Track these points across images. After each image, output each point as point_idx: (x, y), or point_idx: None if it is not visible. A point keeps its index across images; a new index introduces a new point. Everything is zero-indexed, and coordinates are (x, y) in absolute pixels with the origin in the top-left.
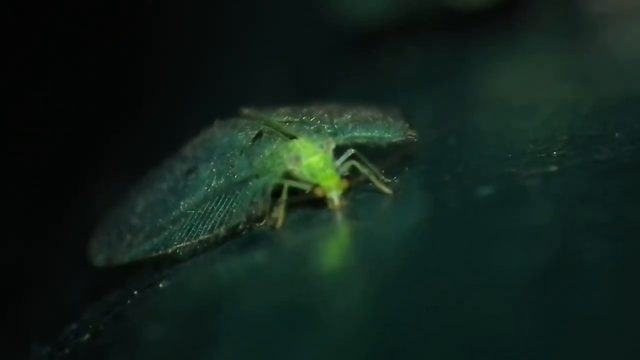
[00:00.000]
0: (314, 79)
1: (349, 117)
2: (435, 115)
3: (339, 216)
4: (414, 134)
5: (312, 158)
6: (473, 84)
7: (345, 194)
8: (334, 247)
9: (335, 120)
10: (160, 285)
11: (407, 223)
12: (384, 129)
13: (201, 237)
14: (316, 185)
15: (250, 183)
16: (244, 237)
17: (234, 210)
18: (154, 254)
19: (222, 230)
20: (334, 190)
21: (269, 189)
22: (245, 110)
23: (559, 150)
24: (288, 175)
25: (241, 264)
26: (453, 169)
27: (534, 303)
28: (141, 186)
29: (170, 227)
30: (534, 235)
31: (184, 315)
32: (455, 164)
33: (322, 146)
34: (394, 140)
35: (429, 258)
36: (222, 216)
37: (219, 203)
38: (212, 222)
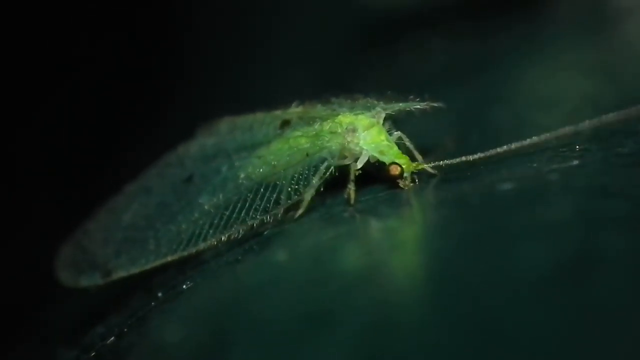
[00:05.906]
0: (334, 73)
1: (372, 99)
2: (457, 110)
3: (359, 214)
4: (440, 104)
5: (372, 129)
6: (495, 78)
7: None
8: (355, 246)
9: (361, 101)
10: (184, 286)
11: (428, 219)
12: (408, 103)
13: (230, 230)
14: (392, 164)
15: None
16: (265, 237)
17: (281, 197)
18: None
19: (254, 223)
20: (409, 167)
21: (326, 171)
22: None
23: (582, 145)
24: (342, 154)
25: (264, 264)
26: (474, 164)
27: (555, 298)
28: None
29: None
30: (555, 230)
31: (206, 317)
32: (477, 159)
33: (373, 116)
34: (420, 107)
35: (449, 254)
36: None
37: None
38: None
